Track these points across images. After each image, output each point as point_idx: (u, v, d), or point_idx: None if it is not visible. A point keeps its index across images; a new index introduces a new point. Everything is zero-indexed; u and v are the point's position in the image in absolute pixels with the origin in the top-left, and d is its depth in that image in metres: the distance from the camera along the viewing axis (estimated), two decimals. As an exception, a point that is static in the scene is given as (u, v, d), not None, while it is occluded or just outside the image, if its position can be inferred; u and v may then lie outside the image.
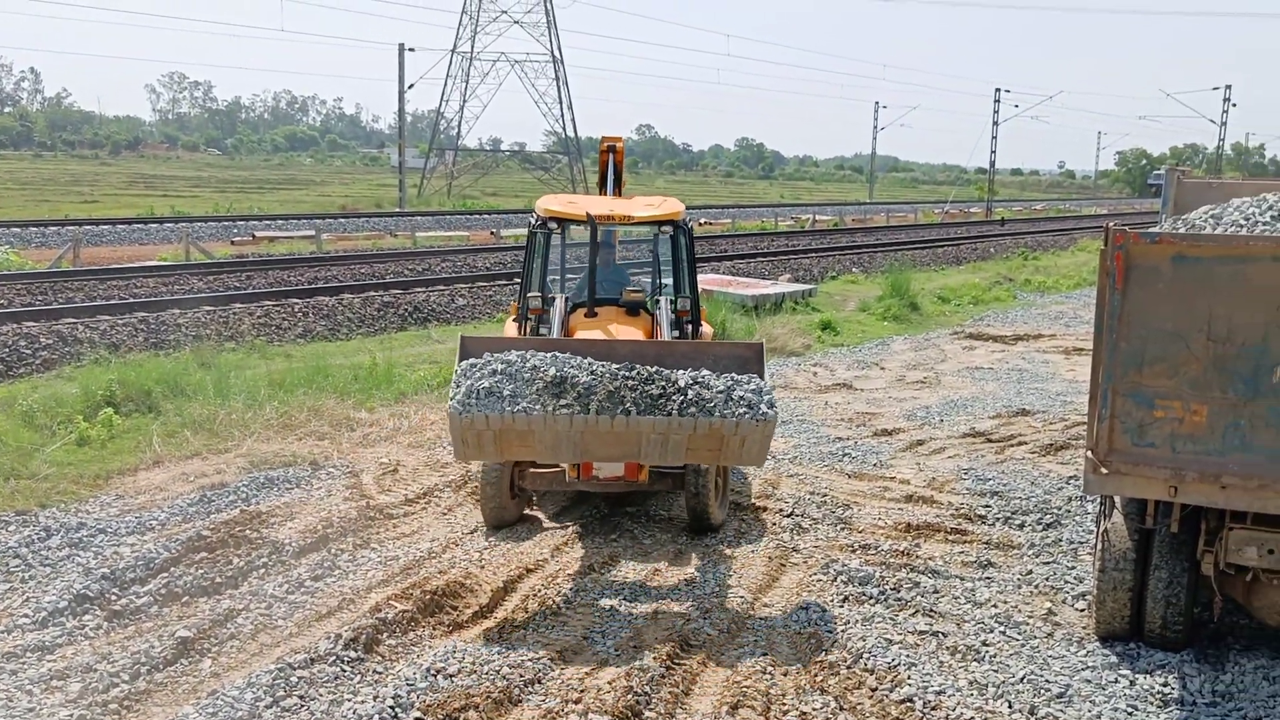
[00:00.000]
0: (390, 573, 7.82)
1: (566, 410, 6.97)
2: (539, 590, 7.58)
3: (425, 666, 6.27)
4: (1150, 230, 6.20)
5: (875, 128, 75.94)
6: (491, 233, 36.79)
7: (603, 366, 7.19)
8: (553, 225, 9.39)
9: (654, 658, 6.52)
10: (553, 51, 70.55)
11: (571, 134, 71.97)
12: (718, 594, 7.67)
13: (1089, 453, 6.20)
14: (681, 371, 7.27)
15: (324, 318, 18.30)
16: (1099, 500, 7.86)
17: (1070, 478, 10.52)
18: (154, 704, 5.94)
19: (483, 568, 7.95)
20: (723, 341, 9.04)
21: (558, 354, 7.35)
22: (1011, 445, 11.95)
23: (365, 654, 6.47)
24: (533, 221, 9.62)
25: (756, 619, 7.29)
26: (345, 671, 6.26)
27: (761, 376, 7.43)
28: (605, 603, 7.46)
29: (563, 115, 71.51)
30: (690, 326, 9.33)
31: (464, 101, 71.04)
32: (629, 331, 8.88)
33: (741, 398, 7.09)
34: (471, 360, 7.31)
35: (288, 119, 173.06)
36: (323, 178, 79.15)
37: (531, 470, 8.83)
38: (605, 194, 10.65)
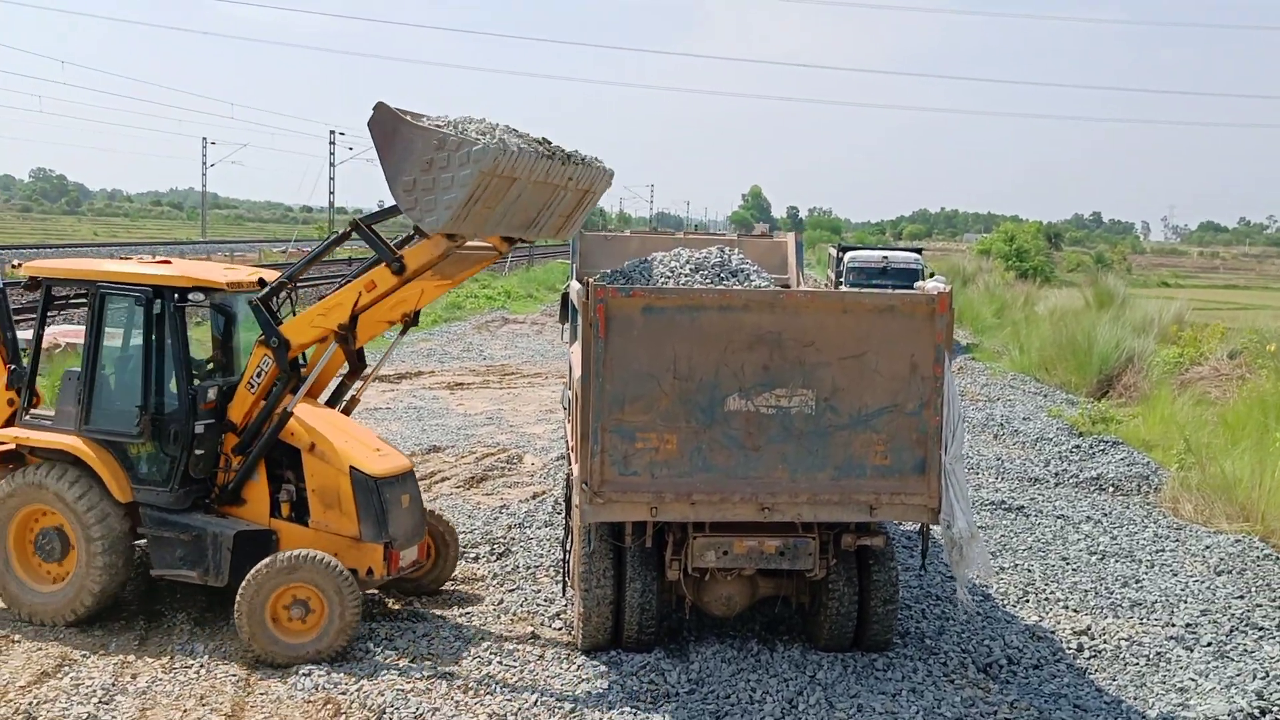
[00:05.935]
0: None
1: None
2: (-12, 712, 6.49)
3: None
4: (624, 285, 7.04)
5: (205, 164, 73.22)
6: None
7: None
8: (196, 295, 8.28)
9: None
10: None
11: None
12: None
13: (584, 485, 6.86)
14: None
15: None
16: (564, 526, 8.64)
17: (501, 507, 11.27)
18: None
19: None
20: None
21: None
22: (436, 481, 12.46)
23: None
24: (163, 294, 8.12)
25: (260, 695, 6.92)
26: None
27: None
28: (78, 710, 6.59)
29: None
30: None
31: None
32: None
33: None
34: None
35: None
36: None
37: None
38: None
